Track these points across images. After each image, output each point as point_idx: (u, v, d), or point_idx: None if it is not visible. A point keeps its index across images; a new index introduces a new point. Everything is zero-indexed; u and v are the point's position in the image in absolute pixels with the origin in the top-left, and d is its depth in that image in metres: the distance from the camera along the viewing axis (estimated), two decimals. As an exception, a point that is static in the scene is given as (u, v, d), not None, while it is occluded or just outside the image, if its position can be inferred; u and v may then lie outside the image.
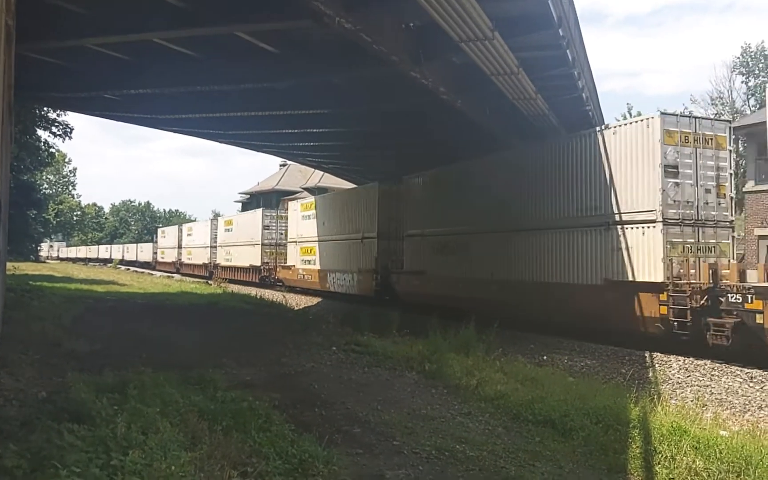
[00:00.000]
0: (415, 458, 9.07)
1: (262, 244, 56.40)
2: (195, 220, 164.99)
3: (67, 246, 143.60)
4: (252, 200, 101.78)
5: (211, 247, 71.53)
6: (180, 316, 25.43)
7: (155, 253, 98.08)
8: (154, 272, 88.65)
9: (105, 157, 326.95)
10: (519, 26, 16.28)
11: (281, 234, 56.59)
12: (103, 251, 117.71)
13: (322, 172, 67.70)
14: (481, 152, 27.27)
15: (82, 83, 22.25)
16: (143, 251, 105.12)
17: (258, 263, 56.28)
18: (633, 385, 15.85)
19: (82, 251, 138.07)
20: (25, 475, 6.40)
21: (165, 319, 23.66)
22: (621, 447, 10.43)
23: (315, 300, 42.27)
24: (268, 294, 41.16)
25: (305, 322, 24.81)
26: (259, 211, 59.52)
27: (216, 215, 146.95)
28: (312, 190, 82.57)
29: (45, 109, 39.17)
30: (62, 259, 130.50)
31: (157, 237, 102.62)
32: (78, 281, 43.80)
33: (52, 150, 56.24)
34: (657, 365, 18.81)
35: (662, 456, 9.99)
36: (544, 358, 20.00)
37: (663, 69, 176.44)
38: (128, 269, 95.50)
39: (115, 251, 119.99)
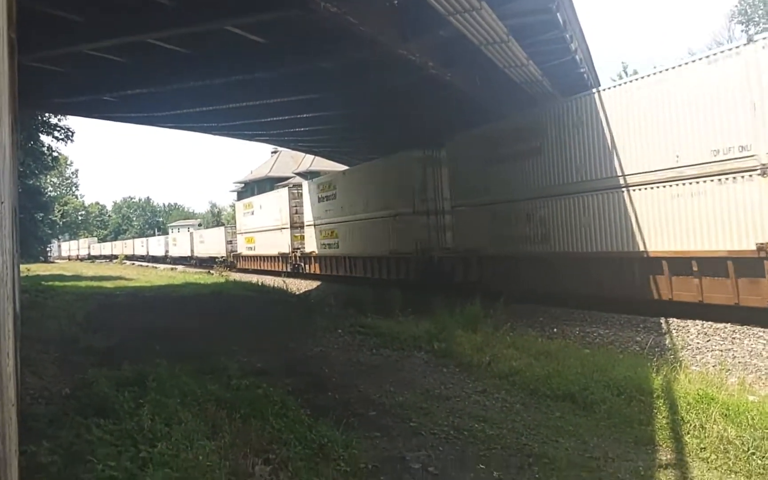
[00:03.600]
0: (434, 439, 9.09)
1: (292, 227, 48.11)
2: (194, 213, 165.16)
3: (99, 242, 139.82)
4: (246, 189, 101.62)
5: (226, 239, 66.27)
6: (187, 306, 25.59)
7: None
8: (158, 266, 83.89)
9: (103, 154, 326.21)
10: (508, -8, 16.20)
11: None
12: (138, 246, 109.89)
13: (313, 157, 67.77)
14: (474, 124, 26.89)
15: (80, 88, 22.27)
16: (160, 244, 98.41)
17: (287, 250, 48.41)
18: (651, 353, 15.25)
19: (107, 248, 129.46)
20: (59, 471, 6.60)
21: (174, 311, 23.91)
22: (646, 418, 10.14)
23: (314, 283, 41.80)
24: (269, 280, 41.05)
25: (308, 306, 24.84)
26: (285, 190, 50.75)
27: (212, 207, 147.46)
28: (304, 175, 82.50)
29: (47, 115, 39.47)
30: (93, 257, 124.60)
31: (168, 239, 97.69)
32: (87, 279, 43.77)
33: (55, 154, 56.49)
34: (674, 331, 18.06)
35: (690, 425, 9.64)
36: (555, 330, 19.36)
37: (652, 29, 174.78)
38: (132, 264, 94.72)
39: (139, 246, 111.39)
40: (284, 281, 38.43)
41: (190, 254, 78.31)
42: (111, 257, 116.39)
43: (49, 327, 17.02)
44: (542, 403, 11.20)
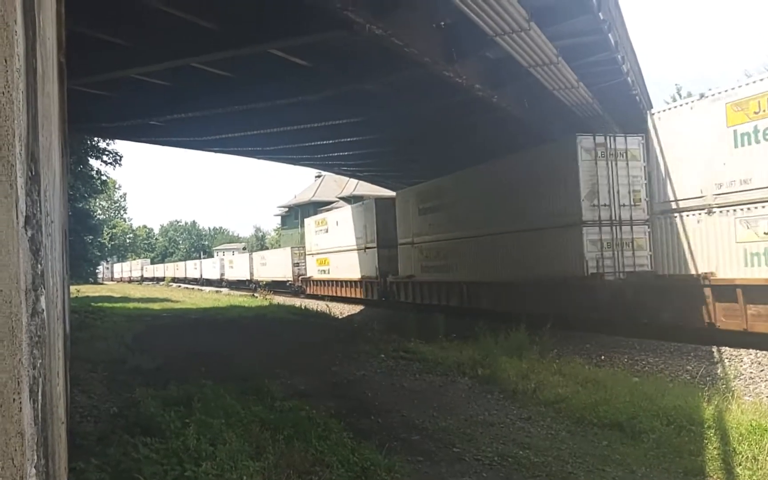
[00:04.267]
0: (478, 465, 8.99)
1: (380, 247, 40.61)
2: (238, 237, 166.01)
3: (152, 264, 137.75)
4: (290, 213, 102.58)
5: (292, 261, 59.69)
6: (232, 328, 25.68)
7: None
8: (203, 288, 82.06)
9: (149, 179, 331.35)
10: (556, 13, 16.16)
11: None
12: (191, 268, 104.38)
13: (357, 181, 67.99)
14: (523, 146, 26.62)
15: (127, 112, 22.74)
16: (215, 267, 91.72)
17: (373, 274, 40.95)
18: (702, 382, 15.12)
19: (159, 270, 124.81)
20: (106, 489, 6.69)
21: (218, 332, 24.10)
22: (697, 449, 9.91)
23: (358, 308, 41.75)
24: (313, 304, 40.68)
25: (351, 330, 24.86)
26: (371, 202, 42.75)
27: (257, 231, 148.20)
28: (348, 199, 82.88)
29: (96, 139, 40.26)
30: (146, 278, 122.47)
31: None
32: (135, 300, 44.26)
33: (104, 178, 57.49)
34: (726, 360, 17.64)
35: (743, 456, 9.45)
36: (602, 357, 18.96)
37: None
38: (179, 286, 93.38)
39: (189, 267, 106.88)
40: (327, 306, 37.97)
41: (249, 278, 72.37)
42: (164, 279, 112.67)
43: (98, 347, 17.24)
44: (589, 432, 11.04)
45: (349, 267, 44.77)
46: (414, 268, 37.42)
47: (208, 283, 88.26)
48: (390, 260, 40.04)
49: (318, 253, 51.60)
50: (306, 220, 58.79)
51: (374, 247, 40.98)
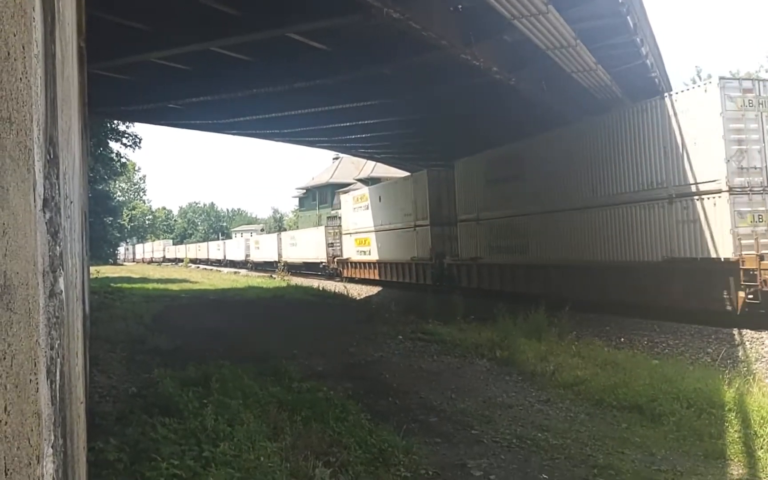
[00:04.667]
0: (496, 447, 8.98)
1: (433, 225, 35.95)
2: (256, 219, 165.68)
3: (174, 245, 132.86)
4: (308, 195, 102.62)
5: (326, 241, 53.90)
6: (250, 309, 25.81)
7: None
8: (222, 269, 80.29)
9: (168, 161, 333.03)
10: (575, -5, 16.05)
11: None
12: (214, 249, 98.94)
13: (374, 163, 67.83)
14: (540, 129, 26.60)
15: (147, 96, 22.86)
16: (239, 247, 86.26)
17: (426, 254, 36.24)
18: (723, 365, 14.97)
19: (181, 250, 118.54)
20: (125, 468, 6.74)
21: (236, 313, 24.16)
22: (717, 432, 9.84)
23: (375, 289, 41.56)
24: (330, 285, 40.64)
25: (369, 311, 24.86)
26: (423, 173, 37.31)
27: (275, 212, 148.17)
28: (365, 181, 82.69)
29: (115, 122, 40.44)
30: (169, 259, 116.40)
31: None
32: (154, 281, 44.27)
33: (123, 160, 57.65)
34: (747, 343, 17.44)
35: (764, 440, 9.43)
36: (622, 340, 18.88)
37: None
38: (197, 267, 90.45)
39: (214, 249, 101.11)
40: (345, 286, 38.01)
41: (276, 259, 66.96)
42: (184, 260, 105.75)
43: (117, 327, 17.37)
44: (608, 414, 11.01)
45: (395, 248, 40.47)
46: (479, 249, 32.44)
47: (232, 264, 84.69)
48: (445, 239, 35.25)
49: (357, 233, 46.91)
50: (342, 197, 54.18)
51: (426, 225, 36.37)
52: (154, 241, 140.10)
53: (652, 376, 12.58)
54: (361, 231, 46.10)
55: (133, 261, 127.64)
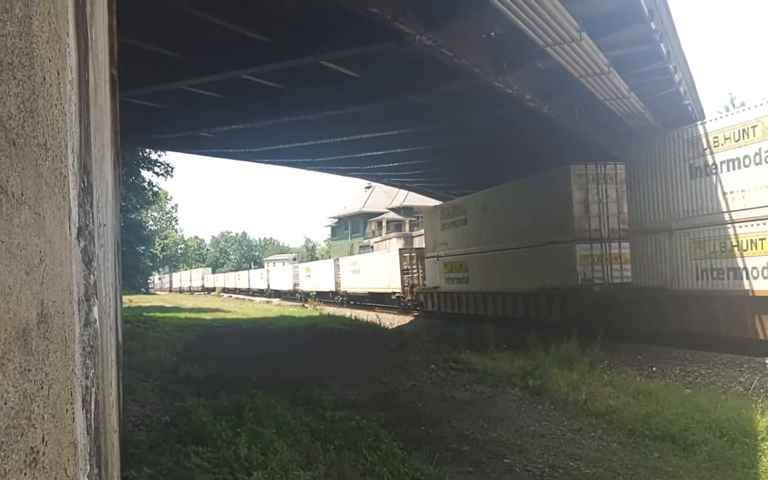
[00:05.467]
0: (528, 476, 8.97)
1: (579, 241, 26.52)
2: (288, 248, 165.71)
3: (213, 273, 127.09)
4: (340, 223, 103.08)
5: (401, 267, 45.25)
6: (282, 339, 25.77)
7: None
8: (253, 298, 77.51)
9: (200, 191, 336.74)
10: (608, 24, 15.91)
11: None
12: (255, 278, 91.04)
13: (407, 192, 67.85)
14: (573, 158, 26.53)
15: (178, 124, 23.04)
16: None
17: (574, 280, 26.45)
18: (756, 394, 14.90)
19: (219, 279, 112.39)
20: (158, 497, 6.75)
21: (269, 343, 24.13)
22: (750, 461, 9.86)
23: (408, 318, 41.62)
24: (363, 314, 40.17)
25: (401, 341, 24.83)
26: (566, 169, 26.82)
27: (307, 242, 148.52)
28: (397, 210, 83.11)
29: (147, 150, 40.86)
30: (208, 288, 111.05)
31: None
32: (186, 310, 44.54)
33: (155, 189, 58.16)
34: None
35: None
36: (654, 369, 18.76)
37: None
38: (230, 296, 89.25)
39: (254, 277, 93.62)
40: (377, 316, 37.80)
41: (333, 288, 59.88)
42: (230, 289, 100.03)
43: (149, 357, 17.49)
44: (640, 443, 10.95)
45: (512, 272, 31.09)
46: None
47: (277, 294, 77.38)
48: (594, 261, 26.07)
49: (448, 255, 38.25)
50: (427, 211, 44.37)
51: (571, 242, 26.83)
52: (192, 269, 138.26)
53: (685, 406, 12.60)
54: (456, 253, 37.39)
55: (170, 290, 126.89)
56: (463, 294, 35.89)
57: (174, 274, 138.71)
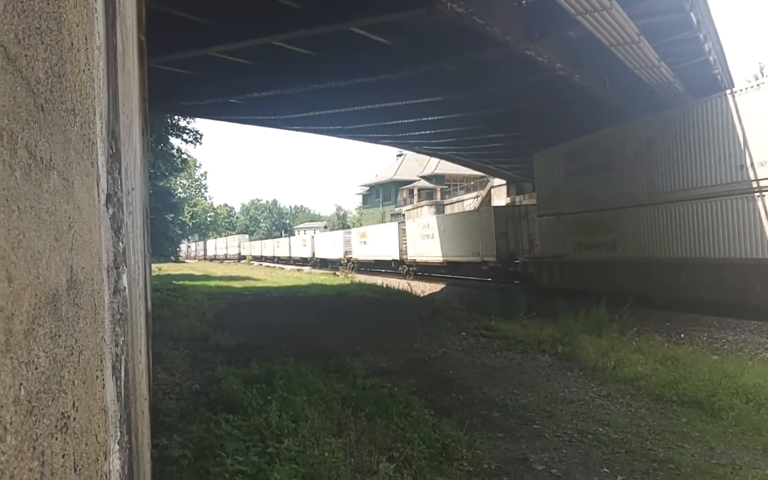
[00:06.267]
0: (558, 442, 8.98)
1: None
2: (319, 216, 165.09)
3: (250, 240, 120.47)
4: (372, 192, 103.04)
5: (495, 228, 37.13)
6: (313, 306, 25.73)
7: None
8: (285, 266, 74.02)
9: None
10: (638, -9, 15.88)
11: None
12: (297, 246, 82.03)
13: (438, 160, 67.59)
14: (601, 125, 26.36)
15: (207, 90, 23.05)
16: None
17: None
18: None
19: (256, 247, 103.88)
20: (189, 464, 6.81)
21: (299, 311, 24.14)
22: None
23: (439, 286, 41.34)
24: (394, 282, 39.77)
25: (433, 308, 24.80)
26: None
27: (338, 210, 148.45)
28: (429, 178, 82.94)
29: (176, 117, 40.91)
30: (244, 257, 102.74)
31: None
32: (216, 278, 44.56)
33: (184, 156, 58.12)
34: None
35: None
36: (682, 336, 18.91)
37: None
38: (260, 264, 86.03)
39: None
40: (409, 283, 37.53)
41: (398, 257, 52.41)
42: (269, 258, 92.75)
43: (179, 325, 17.60)
44: (668, 409, 10.99)
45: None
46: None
47: (324, 263, 69.16)
48: None
49: (577, 212, 29.89)
50: (539, 158, 33.74)
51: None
52: (228, 236, 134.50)
53: (712, 372, 12.75)
54: (588, 210, 29.15)
55: (204, 258, 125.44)
56: (605, 265, 27.44)
57: (209, 242, 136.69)
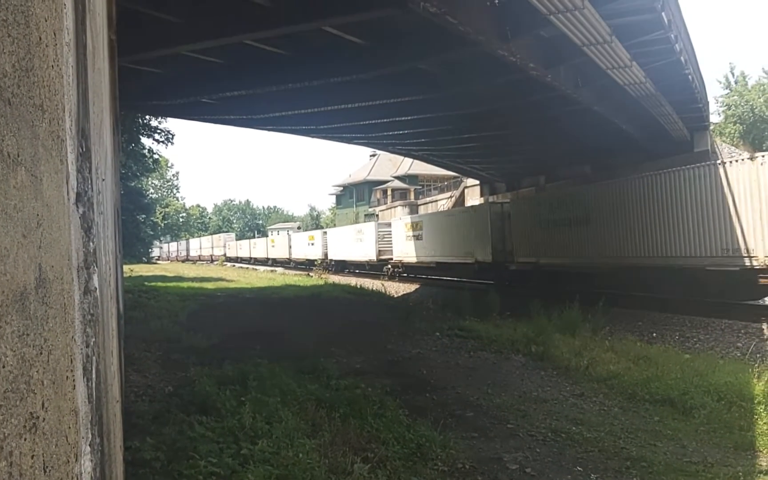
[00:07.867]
0: (531, 441, 9.06)
1: None
2: (293, 216, 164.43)
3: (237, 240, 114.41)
4: (345, 192, 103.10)
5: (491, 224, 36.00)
6: (287, 308, 25.66)
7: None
8: (257, 267, 72.56)
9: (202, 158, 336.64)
10: (610, -9, 15.96)
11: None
12: (281, 246, 78.48)
13: (411, 160, 67.60)
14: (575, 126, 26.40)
15: (179, 90, 22.83)
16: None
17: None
18: (753, 359, 15.27)
19: (244, 248, 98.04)
20: (162, 467, 6.76)
21: (273, 312, 24.06)
22: (747, 424, 10.11)
23: (413, 286, 41.46)
24: (368, 283, 39.61)
25: (407, 309, 24.84)
26: None
27: (311, 210, 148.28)
28: (402, 179, 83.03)
29: (147, 117, 40.54)
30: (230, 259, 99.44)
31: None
32: (189, 280, 44.13)
33: (156, 156, 57.56)
34: None
35: None
36: (654, 335, 19.27)
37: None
38: (233, 266, 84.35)
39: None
40: (383, 284, 37.72)
41: (374, 258, 51.34)
42: (244, 259, 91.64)
43: (152, 326, 17.44)
44: (641, 407, 11.20)
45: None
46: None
47: (300, 264, 68.27)
48: None
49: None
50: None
51: None
52: (214, 235, 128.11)
53: (684, 371, 13.02)
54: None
55: (187, 259, 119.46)
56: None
57: (192, 241, 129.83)
